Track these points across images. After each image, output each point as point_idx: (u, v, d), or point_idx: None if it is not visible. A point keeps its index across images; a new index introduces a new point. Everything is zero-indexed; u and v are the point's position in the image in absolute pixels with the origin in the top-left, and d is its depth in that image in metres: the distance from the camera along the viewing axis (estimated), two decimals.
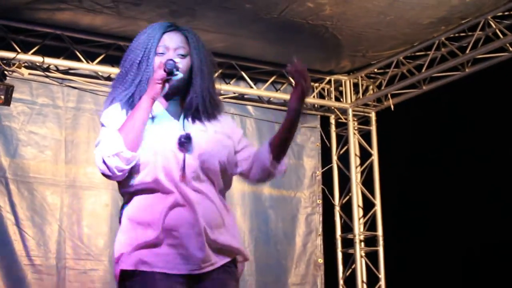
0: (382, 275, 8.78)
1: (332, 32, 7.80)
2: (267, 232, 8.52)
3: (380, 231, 8.91)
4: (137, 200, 3.40)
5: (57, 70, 7.81)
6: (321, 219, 8.89)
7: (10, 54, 7.41)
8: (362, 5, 7.24)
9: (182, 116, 3.51)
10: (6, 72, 7.41)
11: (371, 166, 9.07)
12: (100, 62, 7.90)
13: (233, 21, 7.56)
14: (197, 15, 7.37)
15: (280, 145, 3.63)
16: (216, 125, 3.57)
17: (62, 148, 7.67)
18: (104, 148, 3.28)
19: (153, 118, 3.44)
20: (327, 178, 9.08)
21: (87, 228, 7.60)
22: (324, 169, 9.07)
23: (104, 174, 3.32)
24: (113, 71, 7.91)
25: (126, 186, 3.41)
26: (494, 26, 7.78)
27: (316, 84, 9.14)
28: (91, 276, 7.48)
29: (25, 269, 7.23)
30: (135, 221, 3.37)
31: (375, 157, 9.10)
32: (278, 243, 8.57)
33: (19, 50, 7.49)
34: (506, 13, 7.69)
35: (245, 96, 8.77)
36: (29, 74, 7.55)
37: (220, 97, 8.10)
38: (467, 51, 8.02)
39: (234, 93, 8.66)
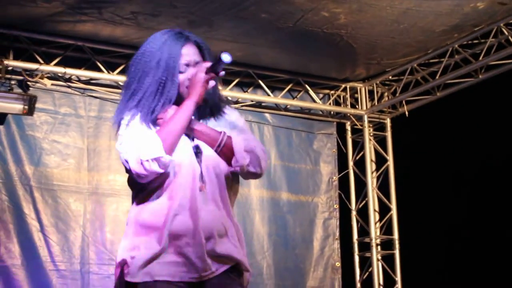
0: (398, 278, 8.76)
1: (347, 41, 7.81)
2: (285, 237, 8.52)
3: (396, 235, 8.90)
4: (145, 203, 3.35)
5: (79, 80, 7.84)
6: (338, 223, 8.91)
7: (33, 66, 7.46)
8: (376, 14, 7.23)
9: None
10: (29, 83, 7.48)
11: (386, 171, 9.06)
12: (120, 72, 7.89)
13: (250, 31, 7.56)
14: (215, 25, 7.41)
15: None
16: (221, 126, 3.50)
17: (85, 156, 7.71)
18: (144, 151, 3.18)
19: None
20: (343, 184, 9.08)
21: (109, 234, 7.63)
22: (341, 175, 9.08)
23: (136, 175, 3.22)
24: None
25: (142, 189, 3.35)
26: (506, 33, 7.77)
27: (332, 92, 9.15)
28: (114, 281, 7.39)
29: (50, 274, 7.27)
30: (140, 224, 3.32)
31: (390, 163, 9.08)
32: (296, 247, 8.57)
33: (42, 61, 7.53)
34: None
35: (263, 104, 8.76)
36: (52, 84, 7.59)
37: (238, 105, 8.21)
38: (480, 58, 8.00)
39: (252, 101, 8.67)
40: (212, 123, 3.48)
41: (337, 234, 8.83)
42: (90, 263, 7.45)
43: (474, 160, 8.18)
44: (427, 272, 8.61)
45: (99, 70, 7.84)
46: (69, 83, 7.75)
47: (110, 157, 7.76)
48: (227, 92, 8.37)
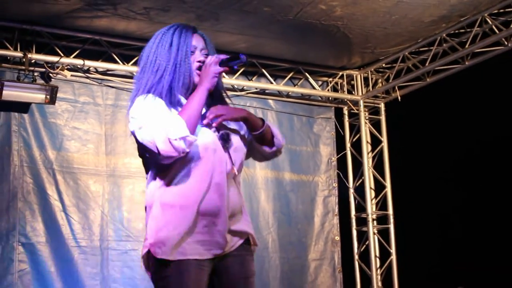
0: (393, 250, 8.80)
1: (343, 31, 7.83)
2: (288, 214, 8.56)
3: (390, 210, 8.96)
4: (172, 185, 3.35)
5: (96, 71, 7.90)
6: (337, 200, 8.93)
7: (54, 58, 7.50)
8: (370, 6, 7.26)
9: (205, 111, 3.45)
10: (50, 74, 7.50)
11: (381, 151, 9.09)
12: (134, 63, 7.84)
13: (254, 23, 7.56)
14: (221, 19, 7.42)
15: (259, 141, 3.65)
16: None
17: (103, 141, 7.76)
18: (172, 131, 3.18)
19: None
20: (341, 164, 9.10)
21: (126, 213, 7.68)
22: (339, 156, 9.10)
23: (164, 155, 3.21)
24: None
25: (164, 170, 3.35)
26: (490, 23, 7.77)
27: (330, 79, 9.17)
28: (131, 256, 7.51)
29: (72, 250, 7.33)
30: (168, 205, 3.33)
31: (384, 144, 9.13)
32: (299, 223, 8.60)
33: (62, 55, 7.57)
34: (501, 10, 7.67)
35: (266, 91, 8.79)
36: (72, 75, 7.64)
37: (244, 93, 8.27)
38: (467, 46, 8.03)
39: (256, 89, 8.71)
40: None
41: (336, 210, 8.87)
42: (108, 240, 7.49)
43: (462, 140, 8.20)
44: (420, 244, 8.66)
45: (115, 62, 7.87)
46: (87, 74, 7.79)
47: (126, 142, 7.74)
48: (233, 81, 8.46)
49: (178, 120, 3.24)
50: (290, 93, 8.98)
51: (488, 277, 7.71)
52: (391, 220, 8.90)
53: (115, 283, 7.42)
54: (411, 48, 8.50)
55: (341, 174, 9.05)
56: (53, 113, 7.60)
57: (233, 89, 8.54)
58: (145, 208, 3.48)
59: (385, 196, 9.03)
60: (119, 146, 7.81)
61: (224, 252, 3.37)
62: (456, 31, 8.11)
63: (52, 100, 7.36)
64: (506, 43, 7.79)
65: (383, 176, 9.06)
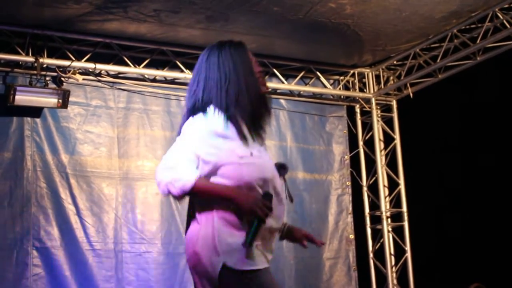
0: (408, 248, 8.74)
1: (353, 29, 7.74)
2: (302, 213, 8.47)
3: (404, 208, 8.89)
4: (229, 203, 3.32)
5: (108, 74, 7.82)
6: (350, 199, 8.86)
7: (65, 62, 7.45)
8: (380, 3, 7.18)
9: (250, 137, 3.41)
10: (62, 79, 7.47)
11: (394, 149, 9.04)
12: (146, 66, 7.91)
13: (263, 23, 7.52)
14: (231, 19, 7.36)
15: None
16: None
17: (115, 144, 7.69)
18: (175, 184, 3.24)
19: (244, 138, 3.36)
20: (354, 162, 9.04)
21: (140, 215, 7.62)
22: (352, 154, 9.03)
23: (158, 186, 3.31)
24: (158, 73, 8.01)
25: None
26: (501, 17, 7.69)
27: (342, 77, 9.12)
28: (146, 258, 7.50)
29: (86, 254, 7.26)
30: (228, 221, 3.29)
31: (397, 141, 9.07)
32: (313, 222, 8.53)
33: (74, 58, 7.51)
34: None
35: (278, 91, 8.69)
36: (83, 79, 7.61)
37: None
38: (478, 41, 7.93)
39: (268, 89, 8.52)
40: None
41: (350, 208, 8.80)
42: (122, 243, 7.44)
43: (476, 136, 8.13)
44: (435, 241, 8.61)
45: (126, 65, 7.81)
46: (99, 78, 7.73)
47: (138, 144, 7.77)
48: None
49: (190, 177, 3.24)
50: (301, 92, 8.90)
51: (505, 275, 7.59)
52: (405, 217, 8.85)
53: (129, 285, 7.39)
54: (422, 45, 8.42)
55: (354, 173, 8.98)
56: (65, 117, 7.56)
57: None
58: (195, 219, 3.40)
59: (398, 194, 8.98)
60: (132, 148, 7.78)
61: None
62: (467, 27, 8.02)
63: (64, 104, 7.32)
64: None
65: (396, 174, 9.01)
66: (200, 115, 3.36)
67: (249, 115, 3.38)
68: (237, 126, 3.33)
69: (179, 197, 3.27)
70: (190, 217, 3.43)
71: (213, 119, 3.34)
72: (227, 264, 3.22)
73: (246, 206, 3.26)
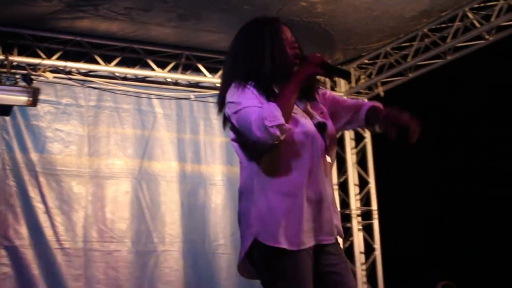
0: (377, 246, 8.78)
1: (324, 28, 7.70)
2: None
3: (374, 206, 8.92)
4: (275, 173, 3.26)
5: (79, 72, 7.74)
6: None
7: (35, 60, 7.42)
8: (351, 3, 7.18)
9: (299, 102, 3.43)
10: (32, 77, 7.40)
11: (364, 148, 9.07)
12: (117, 64, 7.88)
13: (235, 22, 7.26)
14: (202, 18, 7.34)
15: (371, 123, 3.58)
16: (319, 105, 3.55)
17: (85, 142, 7.63)
18: (268, 118, 3.10)
19: None
20: None
21: (110, 214, 7.55)
22: None
23: (260, 142, 3.15)
24: (129, 71, 7.97)
25: (265, 158, 3.27)
26: (471, 17, 7.71)
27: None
28: (115, 257, 7.45)
29: (55, 253, 7.18)
30: (273, 192, 3.23)
31: (368, 140, 9.12)
32: None
33: (44, 56, 7.48)
34: (481, 4, 7.60)
35: None
36: (54, 77, 7.57)
37: None
38: (448, 40, 7.96)
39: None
40: (319, 107, 3.52)
41: None
42: (92, 241, 7.37)
43: (446, 134, 8.14)
44: (404, 239, 8.63)
45: (97, 63, 7.79)
46: (69, 76, 7.65)
47: (109, 143, 7.73)
48: (216, 79, 8.30)
49: (275, 108, 3.15)
50: None
51: (475, 273, 7.60)
52: (375, 215, 8.89)
53: (99, 284, 7.32)
54: (392, 44, 8.45)
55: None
56: (35, 115, 7.48)
57: (215, 87, 8.38)
58: (240, 193, 3.40)
59: (368, 192, 9.03)
60: (102, 147, 7.73)
61: (329, 241, 3.31)
62: (437, 26, 8.04)
63: (34, 102, 7.22)
64: (487, 37, 7.74)
65: (366, 172, 9.06)
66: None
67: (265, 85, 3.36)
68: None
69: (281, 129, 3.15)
70: None
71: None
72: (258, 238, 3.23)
73: (303, 72, 3.29)
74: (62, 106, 7.61)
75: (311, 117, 3.41)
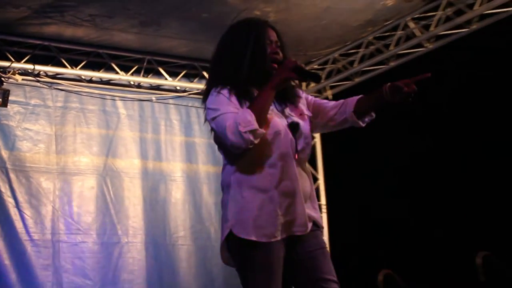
0: (325, 238, 8.63)
1: None
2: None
3: (323, 201, 8.94)
4: (250, 170, 3.39)
5: (46, 75, 7.79)
6: None
7: (5, 63, 7.41)
8: (301, 12, 7.22)
9: (275, 103, 3.52)
10: (2, 79, 7.37)
11: (314, 146, 9.08)
12: (82, 68, 7.91)
13: (193, 29, 7.50)
14: (163, 25, 7.35)
15: (362, 112, 3.74)
16: (300, 107, 3.65)
17: (53, 141, 7.65)
18: (242, 124, 3.23)
19: None
20: None
21: (76, 208, 7.57)
22: None
23: (233, 146, 3.28)
24: (94, 74, 7.99)
25: (242, 157, 3.39)
26: (412, 26, 7.82)
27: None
28: (82, 248, 7.45)
29: (25, 244, 7.20)
30: (248, 187, 3.37)
31: (317, 139, 9.16)
32: None
33: (13, 60, 7.48)
34: (422, 15, 7.73)
35: None
36: (23, 79, 7.55)
37: (186, 94, 8.23)
38: (391, 48, 8.07)
39: (197, 90, 8.57)
40: (297, 108, 3.63)
41: None
42: (59, 233, 7.37)
43: (391, 135, 8.24)
44: (352, 232, 8.66)
45: (64, 66, 7.81)
46: (37, 78, 7.69)
47: (75, 141, 7.74)
48: (176, 83, 8.42)
49: (249, 114, 3.26)
50: None
51: (417, 263, 7.72)
52: (324, 209, 8.86)
53: (66, 273, 7.31)
54: (340, 51, 8.51)
55: None
56: (5, 115, 7.48)
57: (176, 90, 8.51)
58: (222, 188, 3.54)
59: (318, 188, 9.00)
60: (69, 145, 7.73)
61: (303, 232, 3.40)
62: (381, 35, 8.16)
63: (4, 103, 7.25)
64: (426, 45, 7.86)
65: (315, 169, 9.06)
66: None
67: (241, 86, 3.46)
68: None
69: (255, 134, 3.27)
70: None
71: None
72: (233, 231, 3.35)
73: (277, 77, 3.37)
74: (31, 107, 7.62)
75: (285, 117, 3.50)
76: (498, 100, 7.34)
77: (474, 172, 7.43)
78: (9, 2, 6.67)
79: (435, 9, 7.61)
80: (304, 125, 3.55)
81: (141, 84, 8.34)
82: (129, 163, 7.99)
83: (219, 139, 3.40)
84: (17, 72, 7.51)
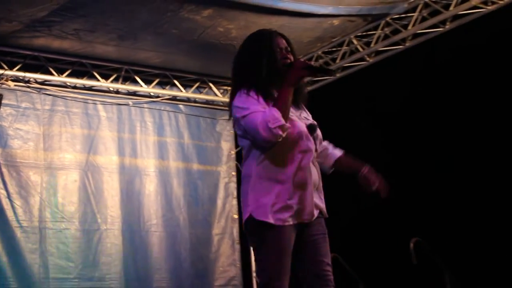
0: None
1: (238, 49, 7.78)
2: (196, 197, 8.52)
3: None
4: (271, 163, 3.43)
5: (36, 82, 7.74)
6: (235, 186, 8.88)
7: None
8: (259, 29, 7.22)
9: (293, 107, 3.55)
10: None
11: None
12: (68, 75, 7.89)
13: (165, 43, 7.53)
14: (139, 38, 7.38)
15: (334, 169, 3.83)
16: (303, 110, 3.69)
17: (41, 140, 7.60)
18: (271, 120, 3.30)
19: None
20: (239, 156, 8.98)
21: (61, 198, 7.55)
22: (237, 150, 9.04)
23: (266, 140, 3.34)
24: (78, 81, 7.98)
25: (265, 153, 3.44)
26: (355, 43, 7.93)
27: (230, 88, 9.09)
28: (65, 234, 7.45)
29: (15, 230, 7.19)
30: (268, 179, 3.42)
31: None
32: (205, 204, 8.56)
33: (7, 68, 7.48)
34: (364, 33, 7.84)
35: (177, 98, 8.72)
36: (15, 85, 7.55)
37: (159, 99, 8.24)
38: (337, 61, 8.13)
39: (169, 96, 8.65)
40: (306, 111, 3.69)
41: (235, 193, 8.83)
42: (46, 221, 7.34)
43: (351, 138, 8.13)
44: None
45: (51, 74, 7.77)
46: (28, 84, 7.66)
47: (60, 140, 7.71)
48: (150, 89, 8.43)
49: (275, 111, 3.32)
50: (197, 99, 8.95)
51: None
52: None
53: (51, 256, 7.29)
54: None
55: (238, 165, 8.96)
56: None
57: (150, 96, 8.54)
58: (242, 177, 3.55)
59: None
60: (55, 143, 7.69)
61: (311, 219, 3.45)
62: (329, 49, 8.21)
63: None
64: (368, 59, 7.98)
65: None
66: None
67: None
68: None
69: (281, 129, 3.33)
70: None
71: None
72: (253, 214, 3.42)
73: (292, 76, 3.43)
74: (21, 109, 7.59)
75: (302, 120, 3.55)
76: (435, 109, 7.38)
77: (411, 173, 7.44)
78: (3, 17, 6.66)
79: (375, 28, 7.76)
80: (318, 128, 3.66)
81: (119, 90, 8.30)
82: (108, 160, 7.97)
83: (250, 136, 3.43)
84: (9, 79, 7.52)
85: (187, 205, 8.43)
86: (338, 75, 8.23)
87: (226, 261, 8.55)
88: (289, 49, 3.64)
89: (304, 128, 3.51)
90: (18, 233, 7.21)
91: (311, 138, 3.53)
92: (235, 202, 8.85)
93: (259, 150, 3.46)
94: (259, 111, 3.36)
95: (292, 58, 3.61)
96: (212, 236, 8.53)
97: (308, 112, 3.71)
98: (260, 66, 3.51)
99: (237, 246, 8.73)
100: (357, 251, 7.54)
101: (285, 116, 3.35)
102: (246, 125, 3.41)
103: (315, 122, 3.61)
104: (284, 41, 3.66)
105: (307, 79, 3.79)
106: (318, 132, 3.61)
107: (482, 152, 6.95)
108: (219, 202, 8.73)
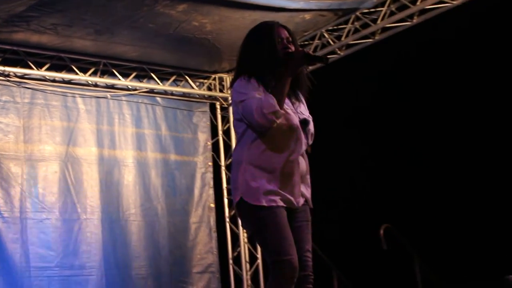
0: (259, 255, 8.74)
1: (213, 43, 7.82)
2: (174, 187, 8.49)
3: None
4: (261, 151, 3.47)
5: (15, 75, 7.67)
6: (212, 176, 8.89)
7: None
8: (233, 23, 7.28)
9: (290, 100, 3.59)
10: None
11: None
12: (47, 69, 7.83)
13: (142, 37, 7.52)
14: (115, 33, 7.35)
15: None
16: (301, 104, 3.71)
17: (21, 132, 7.52)
18: (266, 106, 3.36)
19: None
20: (215, 147, 9.08)
21: (41, 189, 7.51)
22: (213, 141, 9.06)
23: (260, 125, 3.40)
24: (57, 75, 7.92)
25: (256, 140, 3.48)
26: (327, 37, 7.97)
27: (205, 81, 9.15)
28: (46, 224, 7.38)
29: None
30: (257, 166, 3.44)
31: None
32: (182, 194, 8.54)
33: None
34: (335, 27, 7.89)
35: (155, 90, 8.66)
36: None
37: (136, 92, 8.19)
38: None
39: (146, 89, 8.59)
40: (303, 103, 3.69)
41: (211, 183, 8.84)
42: (27, 211, 7.31)
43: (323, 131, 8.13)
44: None
45: (31, 68, 7.72)
46: (7, 78, 7.59)
47: (40, 132, 7.66)
48: (128, 82, 8.39)
49: (271, 98, 3.39)
50: (174, 92, 8.90)
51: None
52: None
53: (32, 245, 7.25)
54: None
55: (215, 155, 9.02)
56: None
57: (127, 89, 8.49)
58: (232, 162, 3.61)
59: None
60: (35, 135, 7.64)
61: (298, 205, 3.50)
62: (301, 43, 8.14)
63: None
64: (339, 52, 8.01)
65: None
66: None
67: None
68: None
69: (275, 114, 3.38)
70: None
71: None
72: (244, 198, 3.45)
73: (291, 65, 3.46)
74: (1, 103, 7.48)
75: (297, 114, 3.57)
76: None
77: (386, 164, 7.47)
78: None
79: (346, 22, 7.81)
80: (311, 122, 3.66)
81: (97, 83, 8.24)
82: (88, 151, 7.93)
83: (246, 119, 3.46)
84: None
85: (165, 195, 8.41)
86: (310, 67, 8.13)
87: (203, 249, 8.55)
88: (290, 39, 3.66)
89: (296, 122, 3.54)
90: (0, 223, 7.16)
91: (302, 132, 3.57)
92: (211, 191, 8.86)
93: (250, 137, 3.50)
94: (256, 97, 3.42)
95: (293, 48, 3.63)
96: (190, 224, 8.51)
97: (306, 107, 3.72)
98: (260, 55, 3.56)
99: (214, 235, 8.72)
100: (329, 238, 7.50)
101: (281, 102, 3.41)
102: (244, 109, 3.45)
103: (310, 117, 3.64)
104: (285, 32, 3.67)
105: (309, 68, 3.89)
106: (311, 126, 3.63)
107: (448, 141, 7.01)
108: (196, 192, 8.71)
